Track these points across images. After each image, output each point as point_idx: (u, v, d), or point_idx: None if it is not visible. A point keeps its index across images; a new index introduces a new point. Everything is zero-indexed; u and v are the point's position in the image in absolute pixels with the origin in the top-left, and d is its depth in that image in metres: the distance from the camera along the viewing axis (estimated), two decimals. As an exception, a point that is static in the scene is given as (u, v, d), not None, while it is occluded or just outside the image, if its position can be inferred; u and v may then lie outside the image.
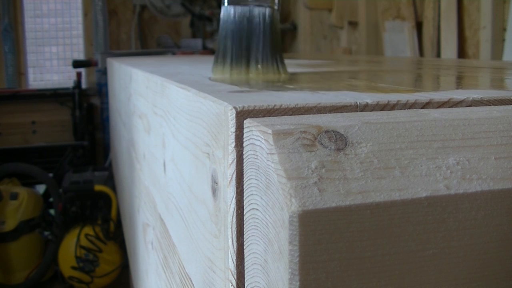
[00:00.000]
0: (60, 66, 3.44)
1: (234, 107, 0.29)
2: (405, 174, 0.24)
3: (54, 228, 1.99)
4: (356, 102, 0.31)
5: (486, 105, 0.33)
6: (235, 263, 0.29)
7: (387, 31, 2.32)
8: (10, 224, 1.97)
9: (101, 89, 2.50)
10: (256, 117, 0.28)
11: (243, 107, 0.29)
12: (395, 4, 2.28)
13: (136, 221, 0.90)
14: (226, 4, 0.56)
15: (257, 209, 0.26)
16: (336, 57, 1.52)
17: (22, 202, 2.00)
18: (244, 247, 0.28)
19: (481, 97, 0.34)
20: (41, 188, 2.27)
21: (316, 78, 0.58)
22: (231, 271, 0.30)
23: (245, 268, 0.28)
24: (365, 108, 0.31)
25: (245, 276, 0.28)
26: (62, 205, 2.00)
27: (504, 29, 1.78)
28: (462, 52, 1.94)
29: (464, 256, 0.24)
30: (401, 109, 0.31)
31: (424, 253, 0.23)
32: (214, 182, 0.32)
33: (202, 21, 2.72)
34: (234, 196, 0.28)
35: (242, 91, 0.38)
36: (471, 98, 0.33)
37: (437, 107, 0.32)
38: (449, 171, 0.24)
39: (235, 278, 0.29)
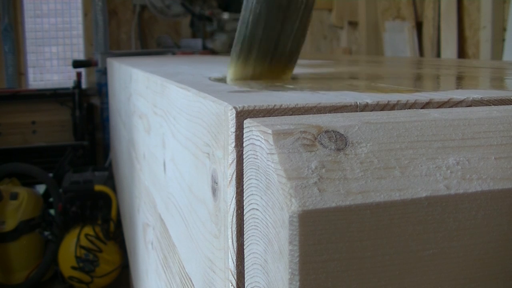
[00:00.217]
0: (60, 66, 3.44)
1: (234, 107, 0.29)
2: (405, 174, 0.24)
3: (54, 228, 1.99)
4: (356, 102, 0.31)
5: (486, 105, 0.33)
6: (235, 263, 0.29)
7: (387, 31, 2.32)
8: (10, 224, 1.97)
9: (101, 89, 2.50)
10: (256, 117, 0.28)
11: (243, 107, 0.29)
12: (395, 4, 2.28)
13: (136, 221, 0.90)
14: None
15: (257, 209, 0.26)
16: (336, 57, 1.52)
17: (22, 202, 2.00)
18: (244, 247, 0.28)
19: (481, 97, 0.34)
20: (41, 188, 2.27)
21: (316, 78, 0.58)
22: (231, 271, 0.30)
23: (245, 268, 0.28)
24: (365, 108, 0.31)
25: (245, 276, 0.28)
26: (62, 205, 2.00)
27: (504, 29, 1.78)
28: (462, 52, 1.94)
29: (464, 256, 0.24)
30: (401, 109, 0.31)
31: (424, 253, 0.23)
32: (214, 182, 0.32)
33: (202, 21, 2.72)
34: (234, 196, 0.28)
35: (242, 91, 0.38)
36: (471, 98, 0.33)
37: (437, 107, 0.32)
38: (449, 171, 0.24)
39: (235, 278, 0.29)
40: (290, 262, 0.22)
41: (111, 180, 1.98)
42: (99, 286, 1.94)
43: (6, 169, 2.11)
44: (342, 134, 0.25)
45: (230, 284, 0.30)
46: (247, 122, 0.28)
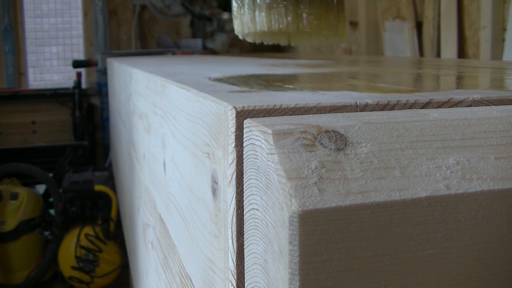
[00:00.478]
0: (60, 66, 3.44)
1: (234, 107, 0.29)
2: (405, 174, 0.24)
3: (54, 228, 1.99)
4: (356, 102, 0.31)
5: (486, 105, 0.33)
6: (235, 263, 0.29)
7: (387, 31, 2.32)
8: (10, 224, 1.97)
9: (101, 89, 2.50)
10: (256, 117, 0.28)
11: (243, 107, 0.29)
12: (395, 4, 2.28)
13: (136, 221, 0.90)
14: None
15: (257, 209, 0.26)
16: (336, 57, 1.52)
17: (22, 202, 2.00)
18: (244, 247, 0.28)
19: (481, 97, 0.34)
20: (41, 188, 2.27)
21: (316, 78, 0.58)
22: (231, 271, 0.30)
23: (245, 268, 0.28)
24: (365, 108, 0.31)
25: (245, 276, 0.28)
26: (62, 205, 2.00)
27: (504, 29, 1.78)
28: (462, 52, 1.95)
29: (464, 256, 0.24)
30: (401, 109, 0.31)
31: (424, 253, 0.23)
32: (214, 182, 0.32)
33: (202, 21, 2.72)
34: (234, 196, 0.29)
35: (242, 91, 0.38)
36: (471, 98, 0.33)
37: (437, 107, 0.32)
38: (449, 171, 0.24)
39: (235, 278, 0.29)
40: (290, 262, 0.22)
41: (111, 180, 1.98)
42: (99, 286, 1.94)
43: (6, 169, 2.11)
44: (342, 134, 0.25)
45: (230, 284, 0.30)
46: (247, 122, 0.28)
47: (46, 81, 3.41)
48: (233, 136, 0.29)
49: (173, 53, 2.40)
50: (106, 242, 1.93)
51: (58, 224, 1.98)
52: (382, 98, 0.32)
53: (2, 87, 2.69)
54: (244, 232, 0.28)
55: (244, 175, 0.28)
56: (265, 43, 0.37)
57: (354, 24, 2.59)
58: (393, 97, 0.33)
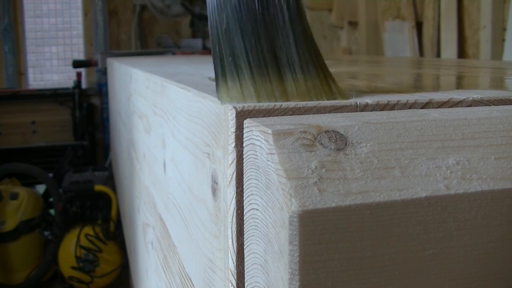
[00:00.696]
0: (60, 66, 3.44)
1: (234, 107, 0.29)
2: (405, 174, 0.24)
3: (54, 228, 1.99)
4: (356, 102, 0.31)
5: (486, 105, 0.33)
6: (235, 263, 0.29)
7: (387, 31, 2.32)
8: (10, 224, 1.97)
9: (101, 89, 2.50)
10: (256, 117, 0.28)
11: (243, 107, 0.29)
12: (395, 4, 2.28)
13: (136, 221, 0.90)
14: None
15: (257, 209, 0.26)
16: (336, 57, 1.52)
17: (22, 202, 2.00)
18: (244, 247, 0.28)
19: (481, 97, 0.34)
20: (41, 188, 2.27)
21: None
22: (231, 271, 0.30)
23: (245, 268, 0.28)
24: (365, 108, 0.31)
25: (245, 276, 0.28)
26: (62, 205, 2.00)
27: (504, 29, 1.78)
28: (462, 52, 1.95)
29: (464, 256, 0.24)
30: (401, 109, 0.31)
31: (424, 253, 0.23)
32: (214, 182, 0.32)
33: (202, 21, 2.72)
34: (234, 196, 0.28)
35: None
36: (471, 98, 0.33)
37: (437, 107, 0.32)
38: (449, 171, 0.24)
39: (235, 278, 0.29)
40: (290, 262, 0.22)
41: (111, 180, 1.98)
42: (99, 286, 1.94)
43: (6, 169, 2.11)
44: (342, 134, 0.25)
45: (230, 284, 0.30)
46: (247, 122, 0.28)
47: (46, 81, 3.41)
48: (233, 136, 0.28)
49: (173, 53, 2.40)
50: (106, 242, 1.93)
51: (58, 224, 1.98)
52: (382, 98, 0.32)
53: (2, 87, 2.69)
54: (244, 232, 0.28)
55: (244, 175, 0.28)
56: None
57: (354, 24, 2.59)
58: (393, 97, 0.33)
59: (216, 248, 0.33)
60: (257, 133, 0.26)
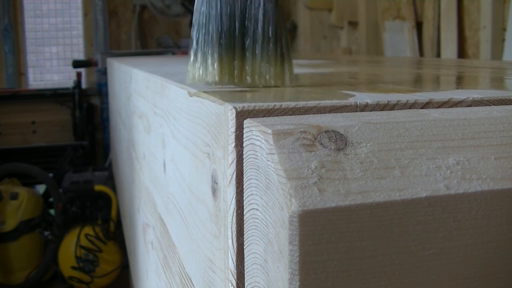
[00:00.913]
0: (60, 66, 3.43)
1: (234, 107, 0.29)
2: (405, 174, 0.24)
3: (54, 228, 1.99)
4: (356, 102, 0.31)
5: (486, 105, 0.33)
6: (235, 263, 0.29)
7: (387, 31, 2.32)
8: (10, 224, 1.97)
9: (101, 89, 2.50)
10: (256, 117, 0.28)
11: (243, 107, 0.29)
12: (395, 4, 2.28)
13: (136, 221, 0.90)
14: None
15: (257, 209, 0.26)
16: (336, 57, 1.52)
17: (22, 202, 2.00)
18: (244, 247, 0.28)
19: (481, 97, 0.34)
20: (41, 188, 2.27)
21: (316, 78, 0.58)
22: (231, 271, 0.30)
23: (245, 268, 0.28)
24: (365, 108, 0.31)
25: (245, 276, 0.28)
26: (62, 205, 1.99)
27: (504, 29, 1.78)
28: (462, 52, 1.94)
29: (464, 256, 0.24)
30: (401, 109, 0.31)
31: (424, 253, 0.23)
32: (214, 182, 0.32)
33: (202, 21, 2.72)
34: (234, 196, 0.28)
35: (242, 91, 0.38)
36: (471, 98, 0.33)
37: (437, 107, 0.32)
38: (449, 171, 0.24)
39: (235, 278, 0.29)
40: (290, 262, 0.22)
41: (111, 180, 1.98)
42: (99, 286, 1.94)
43: (6, 169, 2.11)
44: (342, 134, 0.25)
45: (230, 284, 0.30)
46: (247, 122, 0.28)
47: (46, 81, 3.41)
48: (233, 136, 0.28)
49: (173, 53, 2.40)
50: (106, 242, 1.93)
51: (58, 224, 1.98)
52: (382, 98, 0.32)
53: (2, 87, 2.69)
54: (244, 232, 0.28)
55: (244, 175, 0.28)
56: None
57: (354, 24, 2.59)
58: (393, 97, 0.33)
59: (216, 248, 0.33)
60: (257, 133, 0.26)
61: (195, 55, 0.38)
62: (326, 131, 0.25)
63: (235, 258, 0.29)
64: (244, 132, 0.28)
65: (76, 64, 2.52)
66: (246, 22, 0.37)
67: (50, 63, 3.44)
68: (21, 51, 2.82)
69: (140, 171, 0.79)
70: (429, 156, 0.25)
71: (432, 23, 2.05)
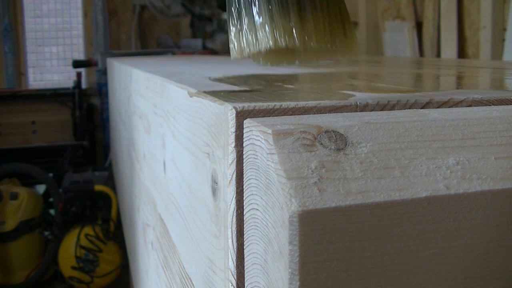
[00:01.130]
0: (60, 66, 3.43)
1: (234, 107, 0.29)
2: (405, 174, 0.24)
3: (54, 228, 1.99)
4: (356, 102, 0.31)
5: (486, 105, 0.33)
6: (235, 263, 0.29)
7: (387, 31, 2.32)
8: (10, 224, 1.97)
9: (101, 89, 2.50)
10: (256, 117, 0.28)
11: (243, 107, 0.29)
12: (395, 4, 2.28)
13: (136, 221, 0.90)
14: None
15: (257, 209, 0.26)
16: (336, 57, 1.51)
17: (22, 202, 2.00)
18: (244, 247, 0.28)
19: (481, 97, 0.34)
20: (41, 188, 2.27)
21: (317, 78, 0.58)
22: (231, 271, 0.30)
23: (245, 268, 0.28)
24: (365, 108, 0.31)
25: (245, 276, 0.28)
26: (62, 205, 1.99)
27: (504, 29, 1.78)
28: (462, 52, 1.95)
29: (464, 256, 0.24)
30: (401, 109, 0.31)
31: (424, 253, 0.23)
32: (214, 182, 0.32)
33: (202, 21, 2.72)
34: (234, 196, 0.28)
35: (242, 91, 0.38)
36: (471, 98, 0.33)
37: (437, 107, 0.32)
38: (449, 171, 0.24)
39: (235, 278, 0.29)
40: (290, 262, 0.22)
41: (111, 180, 1.98)
42: (99, 286, 1.94)
43: (6, 169, 2.10)
44: (342, 134, 0.25)
45: (230, 284, 0.30)
46: (247, 122, 0.28)
47: (46, 81, 3.41)
48: (233, 136, 0.28)
49: (173, 53, 2.40)
50: (106, 242, 1.93)
51: (58, 224, 1.98)
52: (382, 98, 0.32)
53: (2, 87, 2.69)
54: (244, 232, 0.28)
55: (244, 175, 0.28)
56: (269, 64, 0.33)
57: (354, 24, 2.59)
58: (393, 97, 0.33)
59: (216, 248, 0.33)
60: (257, 133, 0.26)
61: (239, 20, 0.30)
62: (326, 131, 0.25)
63: (235, 258, 0.29)
64: (244, 132, 0.28)
65: (76, 64, 2.52)
66: None
67: (50, 63, 3.44)
68: (21, 51, 2.82)
69: (140, 171, 0.79)
70: (429, 156, 0.25)
71: (432, 23, 2.05)
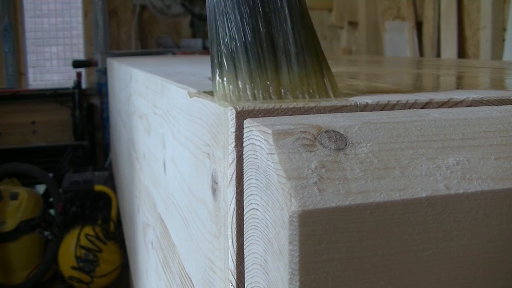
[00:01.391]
0: (60, 66, 3.43)
1: (234, 107, 0.29)
2: (405, 174, 0.24)
3: (54, 228, 1.99)
4: (356, 102, 0.31)
5: (486, 105, 0.33)
6: (235, 263, 0.29)
7: (387, 31, 2.32)
8: (10, 224, 1.97)
9: (101, 89, 2.50)
10: (256, 117, 0.28)
11: (243, 107, 0.29)
12: (395, 4, 2.28)
13: (136, 221, 0.90)
14: None
15: (257, 209, 0.26)
16: (336, 57, 1.52)
17: (22, 202, 2.00)
18: (244, 247, 0.28)
19: (481, 97, 0.34)
20: (41, 188, 2.27)
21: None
22: (231, 271, 0.30)
23: (245, 268, 0.28)
24: (365, 108, 0.31)
25: (245, 276, 0.28)
26: (62, 205, 1.99)
27: (504, 29, 1.78)
28: (462, 52, 1.95)
29: (464, 256, 0.24)
30: (401, 109, 0.31)
31: (424, 253, 0.23)
32: (214, 182, 0.32)
33: (202, 21, 2.72)
34: (234, 196, 0.28)
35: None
36: (471, 98, 0.33)
37: (437, 107, 0.32)
38: (449, 171, 0.24)
39: (235, 278, 0.29)
40: (290, 262, 0.22)
41: (111, 180, 1.98)
42: (99, 286, 1.94)
43: (6, 169, 2.11)
44: (342, 134, 0.25)
45: (230, 284, 0.30)
46: (247, 122, 0.28)
47: (46, 81, 3.41)
48: (233, 136, 0.28)
49: (173, 53, 2.40)
50: (106, 242, 1.93)
51: (58, 224, 1.98)
52: (382, 98, 0.32)
53: (2, 87, 2.69)
54: (244, 232, 0.28)
55: (244, 175, 0.28)
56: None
57: (354, 24, 2.59)
58: (393, 97, 0.33)
59: (216, 248, 0.33)
60: (257, 133, 0.26)
61: (222, 67, 0.32)
62: (326, 131, 0.25)
63: (235, 258, 0.29)
64: (244, 132, 0.28)
65: (76, 64, 2.52)
66: (271, 28, 0.32)
67: (50, 63, 3.44)
68: (21, 51, 2.82)
69: (140, 171, 0.79)
70: (429, 156, 0.25)
71: (432, 23, 2.05)
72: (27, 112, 2.48)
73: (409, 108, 0.32)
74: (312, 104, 0.30)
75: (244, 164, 0.28)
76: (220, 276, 0.32)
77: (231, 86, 0.32)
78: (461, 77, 0.59)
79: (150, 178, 0.66)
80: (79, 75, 2.56)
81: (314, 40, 0.34)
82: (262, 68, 0.32)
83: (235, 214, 0.29)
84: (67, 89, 2.56)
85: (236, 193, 0.28)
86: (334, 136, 0.25)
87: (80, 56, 3.12)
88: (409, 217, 0.23)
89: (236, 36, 0.32)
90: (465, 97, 0.33)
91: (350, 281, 0.22)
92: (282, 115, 0.29)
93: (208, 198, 0.34)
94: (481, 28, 1.81)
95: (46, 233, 2.08)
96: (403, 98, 0.32)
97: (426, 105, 0.32)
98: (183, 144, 0.43)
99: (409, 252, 0.23)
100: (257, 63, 0.32)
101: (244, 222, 0.28)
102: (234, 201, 0.29)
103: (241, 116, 0.28)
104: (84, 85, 2.69)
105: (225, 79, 0.32)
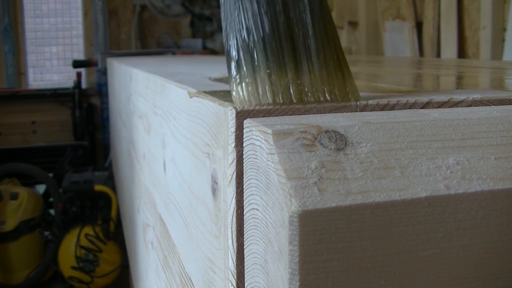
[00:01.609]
0: (60, 66, 3.43)
1: (234, 107, 0.29)
2: (405, 174, 0.24)
3: (54, 228, 1.99)
4: (356, 102, 0.31)
5: (486, 105, 0.33)
6: (235, 263, 0.29)
7: (387, 31, 2.32)
8: (10, 224, 1.97)
9: (101, 89, 2.50)
10: (256, 117, 0.28)
11: (243, 107, 0.29)
12: (395, 4, 2.28)
13: (136, 221, 0.90)
14: None
15: (257, 209, 0.26)
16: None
17: (22, 202, 2.00)
18: (244, 247, 0.28)
19: (481, 97, 0.34)
20: (41, 188, 2.27)
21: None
22: (231, 271, 0.30)
23: (245, 268, 0.28)
24: (365, 108, 0.31)
25: (245, 276, 0.28)
26: (62, 205, 1.99)
27: (504, 29, 1.78)
28: (462, 52, 1.95)
29: (464, 256, 0.24)
30: (401, 109, 0.31)
31: (424, 253, 0.23)
32: (214, 182, 0.32)
33: (202, 21, 2.72)
34: (234, 196, 0.29)
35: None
36: (471, 98, 0.33)
37: (437, 107, 0.32)
38: (449, 171, 0.24)
39: (235, 278, 0.29)
40: (290, 262, 0.22)
41: (111, 180, 1.98)
42: (99, 286, 1.94)
43: (6, 169, 2.11)
44: (342, 134, 0.25)
45: (230, 284, 0.30)
46: (247, 122, 0.28)
47: (46, 81, 3.41)
48: (233, 136, 0.29)
49: (173, 53, 2.40)
50: (106, 242, 1.93)
51: (58, 224, 1.98)
52: (382, 98, 0.32)
53: (2, 87, 2.69)
54: (244, 232, 0.28)
55: (244, 175, 0.28)
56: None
57: (354, 24, 2.59)
58: (393, 97, 0.33)
59: (216, 248, 0.33)
60: (257, 133, 0.26)
61: (239, 73, 0.31)
62: (326, 131, 0.25)
63: (235, 258, 0.29)
64: (244, 132, 0.28)
65: (76, 64, 2.52)
66: (293, 26, 0.30)
67: (50, 63, 3.44)
68: (21, 51, 2.82)
69: (140, 171, 0.79)
70: (429, 156, 0.25)
71: (432, 23, 2.05)
72: (27, 112, 2.48)
73: (409, 108, 0.32)
74: (312, 104, 0.30)
75: (244, 164, 0.28)
76: (220, 276, 0.32)
77: (250, 88, 0.30)
78: (461, 77, 0.59)
79: (150, 178, 0.66)
80: (79, 75, 2.56)
81: (334, 35, 0.32)
82: (282, 67, 0.30)
83: (235, 214, 0.29)
84: (67, 89, 2.56)
85: (236, 193, 0.28)
86: (334, 136, 0.25)
87: (80, 56, 3.12)
88: (409, 217, 0.23)
89: (254, 30, 0.30)
90: (465, 97, 0.33)
91: (350, 281, 0.22)
92: (282, 115, 0.29)
93: (208, 198, 0.34)
94: (481, 28, 1.81)
95: (46, 233, 2.08)
96: (403, 98, 0.32)
97: (426, 105, 0.32)
98: (183, 144, 0.43)
99: (409, 252, 0.23)
100: (276, 62, 0.30)
101: (244, 222, 0.28)
102: (234, 201, 0.29)
103: (241, 116, 0.28)
104: (84, 85, 2.69)
105: (244, 80, 0.30)
